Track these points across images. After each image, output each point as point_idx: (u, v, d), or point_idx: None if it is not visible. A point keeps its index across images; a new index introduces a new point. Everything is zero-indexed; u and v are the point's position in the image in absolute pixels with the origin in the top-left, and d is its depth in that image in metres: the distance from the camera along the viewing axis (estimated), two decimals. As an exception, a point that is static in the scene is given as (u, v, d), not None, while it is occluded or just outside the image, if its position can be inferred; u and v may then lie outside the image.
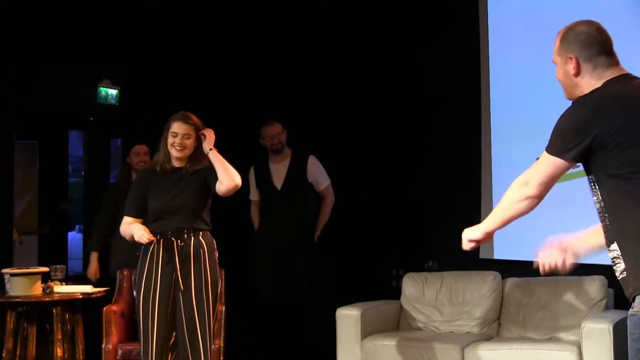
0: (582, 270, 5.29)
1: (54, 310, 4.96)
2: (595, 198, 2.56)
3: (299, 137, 6.10)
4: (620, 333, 4.66)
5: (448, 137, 6.19)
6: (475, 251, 6.27)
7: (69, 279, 5.38)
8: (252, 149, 6.07)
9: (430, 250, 6.24)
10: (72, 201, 8.76)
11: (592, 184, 2.57)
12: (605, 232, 2.53)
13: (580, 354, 4.68)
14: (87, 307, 5.35)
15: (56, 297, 4.96)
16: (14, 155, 6.26)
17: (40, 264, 5.69)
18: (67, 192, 8.40)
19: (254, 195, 6.07)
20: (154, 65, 6.61)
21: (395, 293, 5.87)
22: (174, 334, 4.15)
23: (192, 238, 4.16)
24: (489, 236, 2.70)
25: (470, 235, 2.69)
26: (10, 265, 5.61)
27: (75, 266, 8.23)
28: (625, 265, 2.44)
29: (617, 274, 2.50)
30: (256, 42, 6.70)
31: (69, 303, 5.03)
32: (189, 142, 4.18)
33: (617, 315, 4.83)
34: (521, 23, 5.80)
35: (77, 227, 9.82)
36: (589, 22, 2.55)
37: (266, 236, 5.98)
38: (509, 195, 2.60)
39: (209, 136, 4.17)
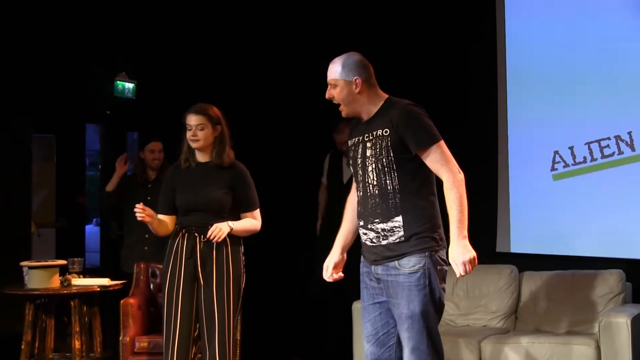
0: (600, 263, 5.31)
1: (72, 303, 5.00)
2: (388, 181, 3.24)
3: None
4: (638, 327, 4.64)
5: (464, 133, 6.12)
6: (491, 245, 6.27)
7: (86, 272, 5.41)
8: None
9: (446, 243, 6.20)
10: (88, 194, 8.80)
11: (389, 167, 3.23)
12: (387, 209, 3.23)
13: (598, 348, 4.66)
14: (104, 300, 5.39)
15: (74, 289, 4.99)
16: (32, 149, 6.29)
17: (58, 257, 5.73)
18: (84, 186, 8.44)
19: (325, 179, 6.21)
20: (170, 59, 6.62)
21: (411, 286, 5.84)
22: (197, 326, 4.18)
23: None
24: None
25: (467, 257, 3.19)
26: (28, 258, 5.66)
27: (92, 259, 8.28)
28: (404, 233, 3.23)
29: (387, 240, 3.24)
30: (275, 36, 6.70)
31: (86, 296, 5.07)
32: (203, 133, 4.17)
33: (636, 309, 4.81)
34: (539, 24, 5.76)
35: (94, 220, 9.88)
36: (358, 53, 3.36)
37: (329, 231, 5.94)
38: (455, 192, 3.16)
39: (220, 231, 4.10)
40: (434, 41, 6.21)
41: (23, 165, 6.12)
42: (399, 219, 3.22)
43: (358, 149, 3.34)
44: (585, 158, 5.50)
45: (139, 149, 5.94)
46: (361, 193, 3.34)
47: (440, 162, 3.19)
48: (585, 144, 5.50)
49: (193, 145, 4.19)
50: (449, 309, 5.50)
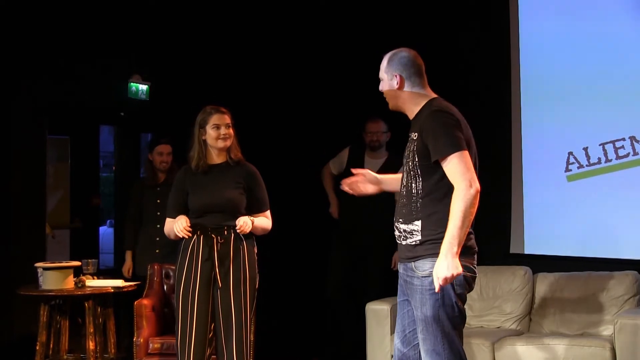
0: (615, 265, 5.29)
1: (86, 304, 5.02)
2: (414, 185, 3.25)
3: (400, 144, 6.01)
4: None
5: (478, 134, 6.05)
6: (505, 246, 6.24)
7: (100, 273, 5.43)
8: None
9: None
10: (103, 196, 8.85)
11: (414, 171, 3.25)
12: (410, 212, 3.26)
13: (613, 350, 4.64)
14: (118, 301, 5.40)
15: (88, 290, 5.01)
16: (47, 150, 6.32)
17: (72, 258, 5.76)
18: (99, 187, 8.48)
19: (334, 168, 6.12)
20: (184, 60, 6.64)
21: (425, 288, 5.83)
22: (212, 327, 4.19)
23: (232, 234, 4.18)
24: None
25: (449, 274, 3.09)
26: (43, 260, 5.68)
27: (106, 260, 8.33)
28: (420, 237, 3.24)
29: (406, 241, 3.28)
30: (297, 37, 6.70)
31: (100, 297, 5.09)
32: (230, 131, 4.23)
33: (651, 310, 4.79)
34: (551, 26, 5.73)
35: (108, 221, 9.93)
36: (409, 49, 3.38)
37: (347, 231, 5.97)
38: (460, 205, 3.08)
39: (245, 225, 4.16)
40: (447, 44, 6.20)
41: (38, 167, 6.14)
42: (418, 223, 3.25)
43: (406, 146, 3.36)
44: (599, 159, 5.48)
45: (149, 151, 5.94)
46: (399, 189, 3.39)
47: (455, 172, 3.13)
48: (599, 145, 5.48)
49: (223, 144, 4.20)
50: (463, 310, 5.49)
